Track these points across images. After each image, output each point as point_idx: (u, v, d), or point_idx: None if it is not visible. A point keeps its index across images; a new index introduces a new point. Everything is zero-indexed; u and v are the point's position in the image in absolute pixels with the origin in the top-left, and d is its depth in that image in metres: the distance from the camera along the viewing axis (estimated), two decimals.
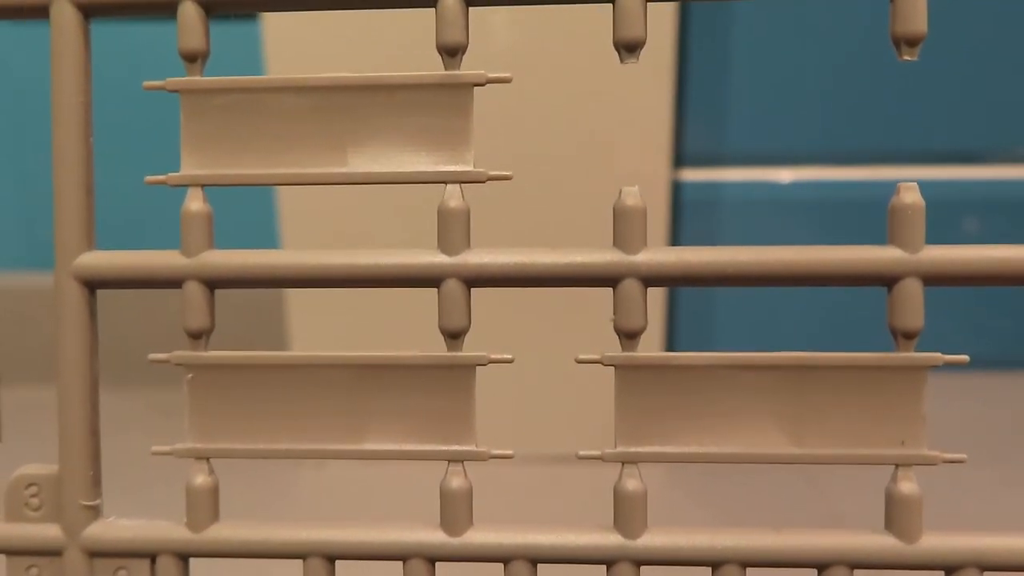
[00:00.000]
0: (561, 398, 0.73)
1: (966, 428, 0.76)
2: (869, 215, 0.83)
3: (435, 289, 0.24)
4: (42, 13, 0.25)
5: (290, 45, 0.69)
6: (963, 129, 0.84)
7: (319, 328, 0.74)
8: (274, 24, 0.69)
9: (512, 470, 0.67)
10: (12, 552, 0.26)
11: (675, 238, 0.84)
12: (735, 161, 0.85)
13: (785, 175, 0.85)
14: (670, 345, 0.85)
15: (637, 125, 0.71)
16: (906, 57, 0.23)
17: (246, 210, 0.73)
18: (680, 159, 0.83)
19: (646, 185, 0.73)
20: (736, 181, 0.85)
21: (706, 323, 0.88)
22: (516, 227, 0.69)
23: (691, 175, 0.84)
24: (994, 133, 0.85)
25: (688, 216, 0.85)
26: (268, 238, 0.77)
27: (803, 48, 0.83)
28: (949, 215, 0.84)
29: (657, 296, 0.74)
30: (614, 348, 0.24)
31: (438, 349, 0.25)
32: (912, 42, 0.23)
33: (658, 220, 0.73)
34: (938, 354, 0.23)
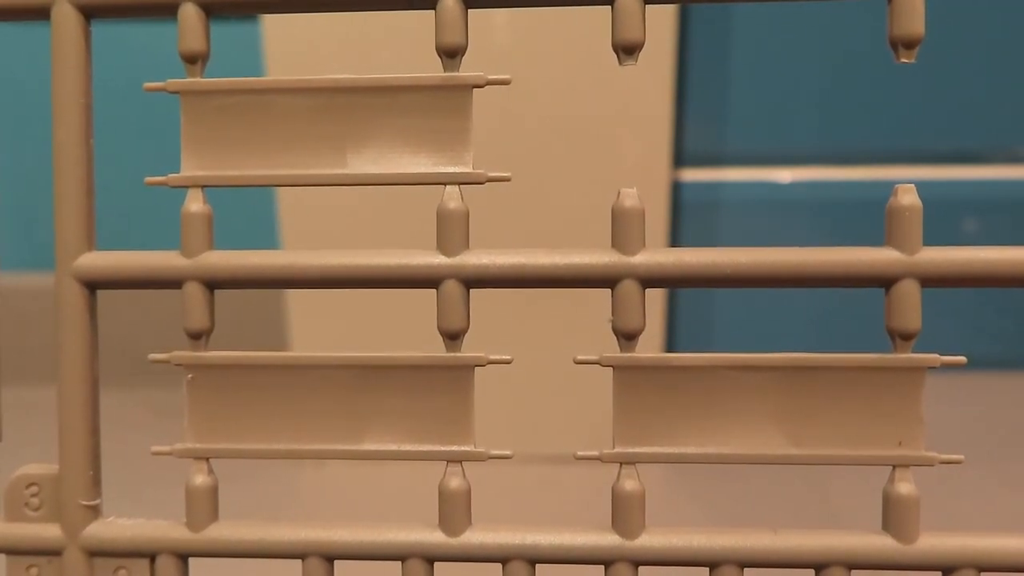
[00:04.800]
0: (559, 399, 0.73)
1: (965, 428, 0.76)
2: (869, 215, 0.83)
3: (434, 290, 0.25)
4: (43, 14, 0.25)
5: (289, 46, 0.69)
6: (963, 129, 0.84)
7: (319, 329, 0.74)
8: (274, 25, 0.69)
9: (511, 470, 0.67)
10: (12, 552, 0.26)
11: (675, 238, 0.84)
12: (735, 161, 0.85)
13: (785, 175, 0.85)
14: (670, 346, 0.85)
15: (637, 125, 0.71)
16: (904, 59, 0.23)
17: (246, 210, 0.73)
18: (680, 159, 0.83)
19: (646, 185, 0.73)
20: (736, 181, 0.85)
21: (705, 324, 0.88)
22: (515, 227, 0.69)
23: (691, 175, 0.84)
24: (994, 133, 0.85)
25: (688, 216, 0.84)
26: (267, 237, 0.77)
27: (803, 48, 0.83)
28: (949, 215, 0.84)
29: (657, 297, 0.74)
30: (612, 349, 0.24)
31: (437, 350, 0.25)
32: (909, 44, 0.23)
33: (658, 220, 0.73)
34: (936, 355, 0.23)
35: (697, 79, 0.84)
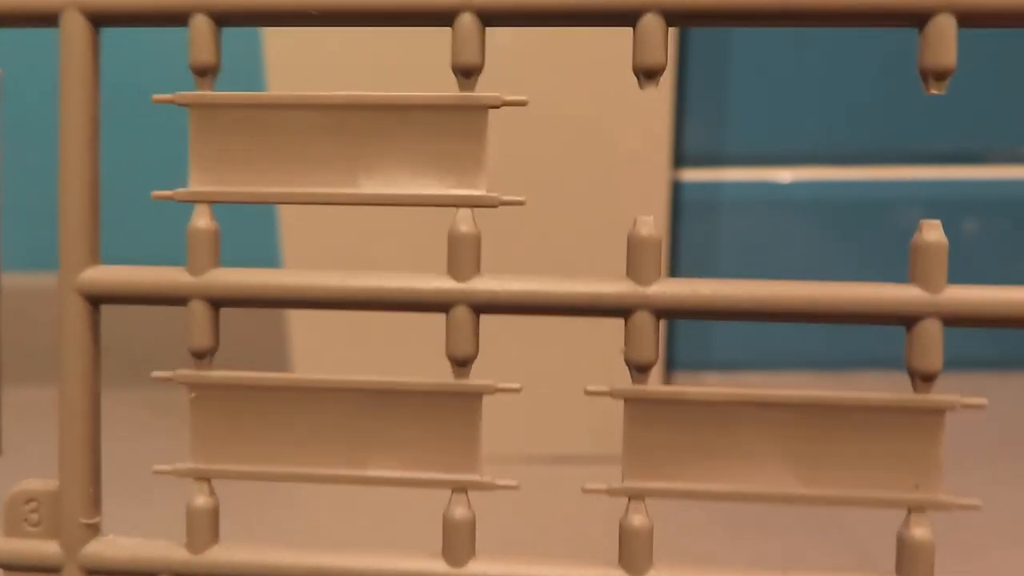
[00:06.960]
0: (567, 404, 0.72)
1: (969, 426, 0.76)
2: (869, 215, 0.83)
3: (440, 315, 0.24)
4: (51, 21, 0.25)
5: (291, 59, 0.68)
6: (963, 129, 0.84)
7: (321, 349, 0.73)
8: (275, 38, 0.68)
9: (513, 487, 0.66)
10: (10, 568, 0.26)
11: (675, 238, 0.83)
12: (735, 161, 0.85)
13: (785, 175, 0.85)
14: (668, 356, 0.85)
15: (637, 125, 0.70)
16: (933, 91, 0.23)
17: (245, 225, 0.72)
18: (680, 159, 0.83)
19: (646, 185, 0.73)
20: (736, 181, 0.85)
21: (704, 334, 0.88)
22: (512, 226, 0.68)
23: (691, 175, 0.84)
24: (994, 133, 0.85)
25: (688, 216, 0.84)
26: (269, 250, 0.76)
27: (803, 48, 0.83)
28: (949, 215, 0.83)
29: None
30: (623, 375, 0.24)
31: (443, 371, 0.24)
32: (941, 76, 0.22)
33: (658, 220, 0.72)
34: (956, 396, 0.23)
35: (697, 79, 0.83)
